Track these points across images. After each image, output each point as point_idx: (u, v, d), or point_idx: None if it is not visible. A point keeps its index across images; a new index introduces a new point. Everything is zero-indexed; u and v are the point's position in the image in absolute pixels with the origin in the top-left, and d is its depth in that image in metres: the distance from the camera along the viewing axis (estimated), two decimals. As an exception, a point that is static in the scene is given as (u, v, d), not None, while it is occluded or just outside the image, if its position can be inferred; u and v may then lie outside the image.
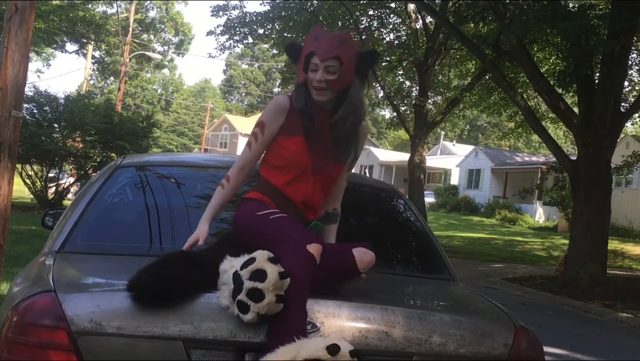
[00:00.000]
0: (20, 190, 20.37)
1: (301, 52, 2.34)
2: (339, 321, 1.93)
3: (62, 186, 19.30)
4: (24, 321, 1.83)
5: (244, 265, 1.86)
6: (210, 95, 72.35)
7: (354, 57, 2.32)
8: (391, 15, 19.83)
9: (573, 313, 9.24)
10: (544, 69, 14.77)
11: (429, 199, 30.70)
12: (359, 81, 2.35)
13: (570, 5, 12.72)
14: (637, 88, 16.69)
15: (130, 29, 33.01)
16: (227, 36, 18.66)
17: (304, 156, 2.29)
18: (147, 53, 35.55)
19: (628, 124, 20.29)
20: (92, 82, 53.57)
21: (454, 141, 52.73)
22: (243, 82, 71.84)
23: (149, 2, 44.76)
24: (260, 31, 18.78)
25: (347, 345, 1.80)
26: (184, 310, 1.87)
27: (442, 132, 48.39)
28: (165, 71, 62.89)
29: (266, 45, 21.54)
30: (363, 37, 18.09)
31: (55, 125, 17.70)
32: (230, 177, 2.33)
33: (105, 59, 42.84)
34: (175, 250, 2.18)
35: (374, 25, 19.70)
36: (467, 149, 40.89)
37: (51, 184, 18.92)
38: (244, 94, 74.70)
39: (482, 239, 21.75)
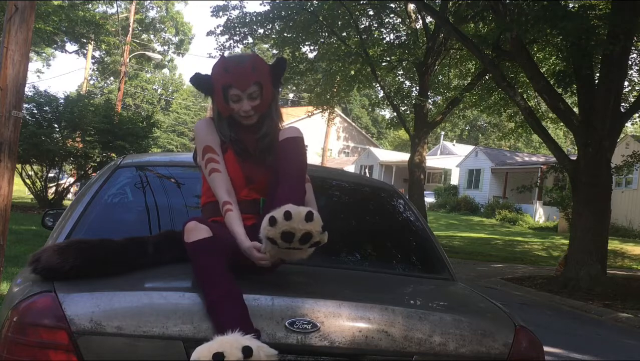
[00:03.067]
0: (20, 190, 20.38)
1: (213, 85, 2.33)
2: (339, 320, 1.93)
3: (62, 186, 19.31)
4: (24, 321, 1.83)
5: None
6: (210, 95, 72.17)
7: (268, 75, 2.35)
8: (391, 15, 19.83)
9: (573, 313, 9.24)
10: (544, 69, 14.76)
11: (429, 199, 30.69)
12: (275, 91, 2.40)
13: (570, 5, 12.72)
14: (637, 88, 16.68)
15: (130, 29, 33.01)
16: (227, 36, 18.65)
17: (237, 171, 2.32)
18: (147, 53, 35.56)
19: (628, 124, 20.29)
20: (92, 82, 53.56)
21: (454, 141, 52.74)
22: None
23: (149, 2, 44.80)
24: (260, 31, 18.77)
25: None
26: (184, 310, 1.87)
27: (442, 132, 48.39)
28: (165, 71, 62.97)
29: (266, 46, 21.54)
30: (363, 37, 18.09)
31: (55, 125, 17.72)
32: (231, 201, 2.27)
33: (105, 59, 42.90)
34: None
35: (374, 25, 19.70)
36: (467, 149, 40.88)
37: (51, 184, 18.93)
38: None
39: (482, 239, 21.74)
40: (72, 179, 20.47)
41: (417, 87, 19.43)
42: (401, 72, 20.74)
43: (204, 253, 2.01)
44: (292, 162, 2.25)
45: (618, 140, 13.12)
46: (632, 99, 13.85)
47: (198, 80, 2.37)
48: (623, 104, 12.14)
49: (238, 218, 2.22)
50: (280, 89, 2.45)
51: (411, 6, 18.14)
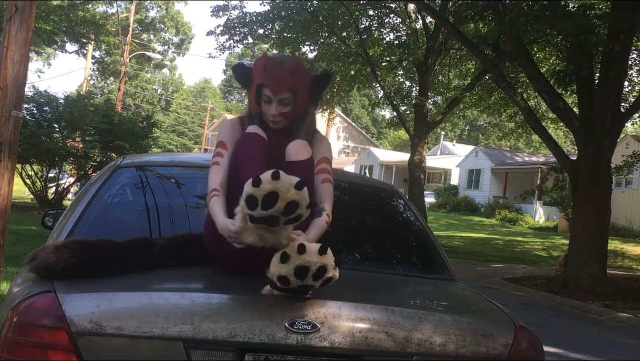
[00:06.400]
0: (20, 190, 20.39)
1: (251, 79, 2.27)
2: (339, 321, 1.93)
3: (62, 186, 19.33)
4: (24, 322, 1.83)
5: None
6: (210, 95, 72.36)
7: (308, 84, 2.26)
8: (391, 15, 19.84)
9: (573, 313, 9.24)
10: (544, 69, 14.76)
11: (429, 199, 30.68)
12: (313, 103, 2.31)
13: (570, 5, 12.72)
14: (637, 88, 16.69)
15: (130, 29, 33.02)
16: (227, 36, 18.66)
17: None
18: (147, 53, 35.55)
19: (628, 124, 20.29)
20: (92, 82, 53.59)
21: (454, 141, 52.76)
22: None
23: (149, 2, 44.80)
24: (260, 31, 18.77)
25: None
26: (184, 310, 1.87)
27: (442, 132, 48.40)
28: (165, 70, 62.98)
29: (266, 46, 21.54)
30: (363, 37, 18.09)
31: (55, 125, 17.74)
32: (219, 189, 2.21)
33: (105, 59, 42.89)
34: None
35: (374, 25, 19.71)
36: (467, 149, 40.88)
37: (51, 184, 18.94)
38: (244, 94, 74.63)
39: (482, 239, 21.75)
40: (72, 179, 20.49)
41: (417, 87, 19.44)
42: (401, 72, 20.75)
43: (252, 141, 2.17)
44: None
45: (618, 140, 13.11)
46: (632, 99, 13.86)
47: (239, 71, 2.32)
48: (623, 104, 12.14)
49: (221, 203, 2.15)
50: (319, 103, 2.35)
51: (411, 6, 18.14)
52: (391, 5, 19.14)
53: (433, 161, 37.68)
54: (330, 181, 2.32)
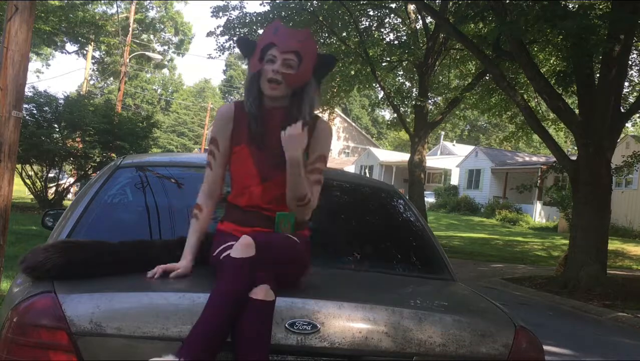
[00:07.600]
0: (20, 190, 20.37)
1: (254, 47, 2.29)
2: (339, 321, 1.93)
3: (62, 186, 19.32)
4: (24, 322, 1.83)
5: None
6: (210, 95, 72.39)
7: (313, 56, 2.28)
8: (391, 15, 19.84)
9: (573, 313, 9.24)
10: (544, 70, 14.75)
11: (429, 199, 30.69)
12: (315, 82, 2.30)
13: (570, 5, 12.71)
14: (637, 88, 16.68)
15: (130, 29, 33.02)
16: (227, 37, 18.68)
17: (249, 165, 2.24)
18: (147, 53, 35.54)
19: (628, 124, 20.27)
20: (92, 82, 53.57)
21: (454, 141, 52.75)
22: (243, 82, 71.74)
23: (148, 2, 44.81)
24: (260, 31, 18.77)
25: None
26: (184, 310, 1.87)
27: (442, 133, 48.38)
28: (165, 71, 62.99)
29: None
30: (363, 37, 18.09)
31: (55, 125, 17.73)
32: (202, 206, 2.28)
33: (105, 59, 42.89)
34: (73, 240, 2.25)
35: (374, 25, 19.71)
36: (467, 149, 40.89)
37: (51, 185, 18.93)
38: (243, 94, 74.71)
39: (482, 239, 21.74)
40: (72, 179, 20.48)
41: (417, 88, 19.44)
42: (401, 72, 20.75)
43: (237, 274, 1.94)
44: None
45: (618, 140, 13.10)
46: (632, 99, 13.85)
47: (244, 41, 2.37)
48: (623, 104, 12.13)
49: (196, 230, 2.22)
50: (319, 84, 2.34)
51: (411, 6, 18.15)
52: (391, 5, 19.15)
53: (433, 161, 37.68)
54: (320, 182, 2.30)
